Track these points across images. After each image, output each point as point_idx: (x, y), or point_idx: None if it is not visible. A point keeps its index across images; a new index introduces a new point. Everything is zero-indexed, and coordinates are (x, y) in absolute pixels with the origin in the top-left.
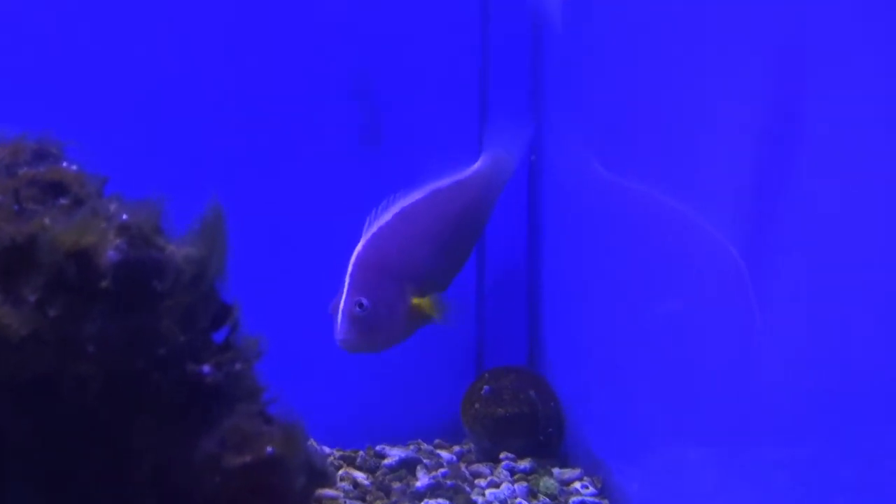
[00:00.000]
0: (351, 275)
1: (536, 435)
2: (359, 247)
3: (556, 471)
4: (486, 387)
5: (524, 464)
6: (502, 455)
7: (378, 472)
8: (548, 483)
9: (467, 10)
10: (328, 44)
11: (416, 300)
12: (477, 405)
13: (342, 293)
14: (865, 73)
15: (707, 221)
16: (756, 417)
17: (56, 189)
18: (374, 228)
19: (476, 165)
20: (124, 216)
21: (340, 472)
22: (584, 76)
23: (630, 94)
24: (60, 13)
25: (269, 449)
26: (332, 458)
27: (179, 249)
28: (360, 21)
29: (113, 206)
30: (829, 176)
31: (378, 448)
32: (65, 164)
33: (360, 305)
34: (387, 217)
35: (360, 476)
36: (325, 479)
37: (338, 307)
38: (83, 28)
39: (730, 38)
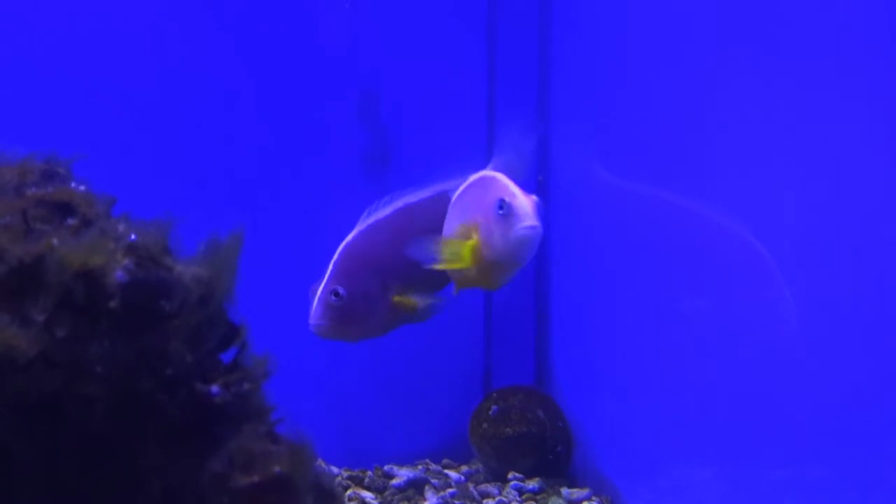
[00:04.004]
0: (335, 263)
1: (545, 454)
2: (350, 236)
3: (564, 491)
4: (494, 406)
5: (533, 483)
6: (511, 475)
7: (386, 493)
8: (556, 503)
9: (473, 27)
10: (336, 64)
11: (397, 297)
12: (485, 425)
13: (324, 279)
14: (869, 72)
15: (726, 228)
16: (765, 438)
17: (64, 209)
18: (371, 221)
19: (486, 170)
20: (132, 236)
21: (349, 492)
22: (591, 86)
23: (636, 100)
24: (75, 31)
25: (276, 469)
26: (340, 478)
27: (188, 270)
28: (367, 42)
29: (121, 227)
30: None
31: (386, 468)
32: (73, 184)
33: (336, 294)
34: (386, 211)
35: (369, 496)
36: (333, 499)
37: (316, 292)
38: (96, 55)
39: (735, 40)
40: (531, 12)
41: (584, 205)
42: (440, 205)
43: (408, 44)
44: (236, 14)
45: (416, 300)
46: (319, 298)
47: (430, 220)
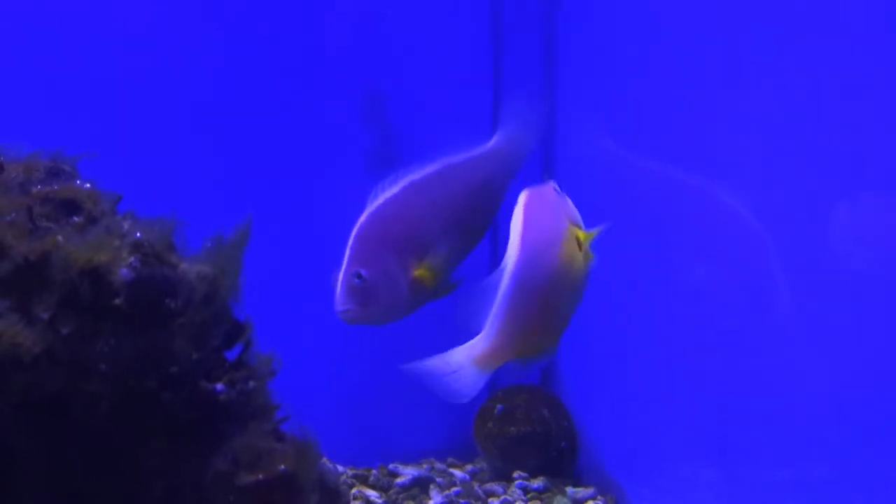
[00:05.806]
0: (351, 246)
1: (549, 454)
2: (361, 218)
3: (569, 490)
4: (499, 406)
5: (537, 483)
6: (515, 474)
7: (391, 491)
8: (561, 502)
9: (478, 24)
10: (340, 65)
11: (417, 272)
12: (490, 424)
13: (342, 264)
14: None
15: (735, 215)
16: (768, 438)
17: (70, 207)
18: (380, 200)
19: (492, 143)
20: (137, 234)
21: (353, 490)
22: (597, 66)
23: (644, 75)
24: (80, 29)
25: (281, 467)
26: (344, 476)
27: (192, 267)
28: (370, 41)
29: (126, 224)
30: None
31: (391, 467)
32: (78, 181)
33: (359, 276)
34: (394, 189)
35: (373, 495)
36: (338, 497)
37: (337, 279)
38: (100, 53)
39: (745, 12)
40: (534, 11)
41: (586, 199)
42: (447, 178)
43: (412, 42)
44: (241, 14)
45: (435, 265)
46: (342, 283)
47: (440, 196)
